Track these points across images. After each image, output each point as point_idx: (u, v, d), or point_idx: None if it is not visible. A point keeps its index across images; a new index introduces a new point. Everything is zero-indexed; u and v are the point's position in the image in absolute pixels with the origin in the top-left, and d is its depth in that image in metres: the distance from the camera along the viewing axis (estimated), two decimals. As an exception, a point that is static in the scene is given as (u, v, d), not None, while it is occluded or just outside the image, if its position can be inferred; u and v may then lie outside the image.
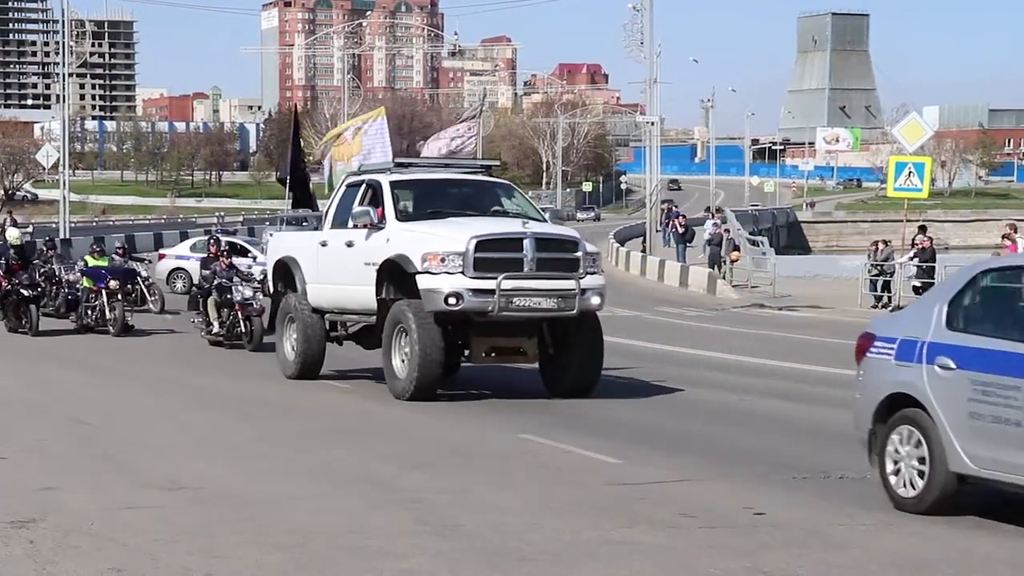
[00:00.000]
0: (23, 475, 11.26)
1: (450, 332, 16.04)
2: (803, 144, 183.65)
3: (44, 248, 33.42)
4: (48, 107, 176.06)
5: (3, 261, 27.62)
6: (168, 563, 8.21)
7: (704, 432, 13.99)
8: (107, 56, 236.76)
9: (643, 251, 54.09)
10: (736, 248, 46.44)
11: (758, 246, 50.23)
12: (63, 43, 63.06)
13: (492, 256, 15.64)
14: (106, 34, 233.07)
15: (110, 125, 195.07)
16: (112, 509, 9.84)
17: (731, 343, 25.18)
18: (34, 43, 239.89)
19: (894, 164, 36.15)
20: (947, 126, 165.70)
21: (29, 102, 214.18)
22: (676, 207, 68.29)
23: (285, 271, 18.96)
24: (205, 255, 26.90)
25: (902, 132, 38.17)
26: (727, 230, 48.78)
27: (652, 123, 60.69)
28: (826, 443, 13.25)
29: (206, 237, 41.87)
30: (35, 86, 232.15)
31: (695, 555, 8.47)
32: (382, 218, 16.59)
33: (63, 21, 63.47)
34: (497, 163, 22.55)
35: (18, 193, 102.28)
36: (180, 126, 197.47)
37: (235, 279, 23.91)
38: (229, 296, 23.27)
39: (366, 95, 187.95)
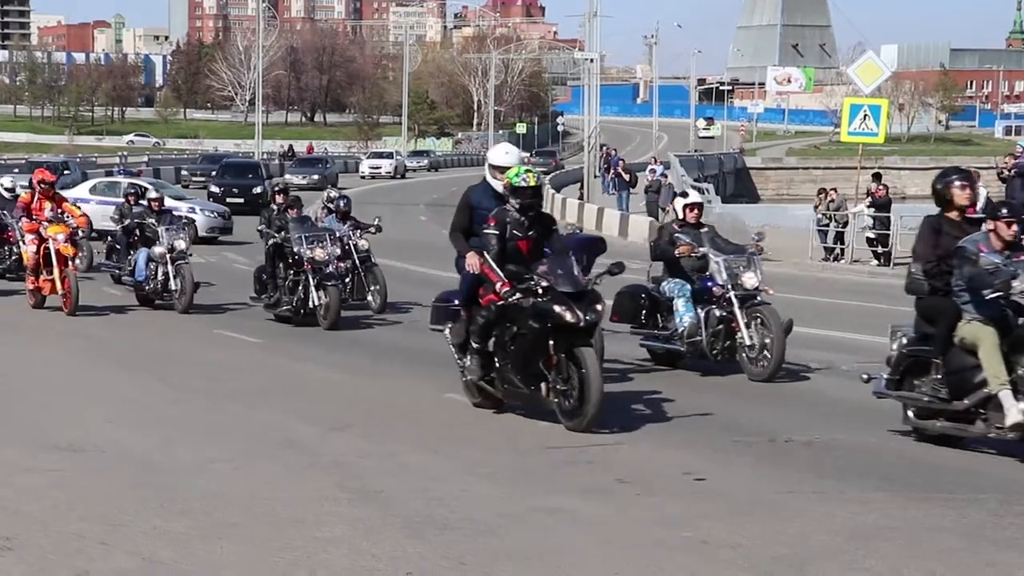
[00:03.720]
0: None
1: None
2: (753, 85, 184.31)
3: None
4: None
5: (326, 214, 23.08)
6: (61, 531, 8.18)
7: (644, 393, 14.06)
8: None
9: (580, 199, 54.15)
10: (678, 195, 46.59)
11: (703, 194, 50.36)
12: (-50, -35, 61.96)
13: None
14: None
15: (2, 55, 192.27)
16: (6, 474, 9.79)
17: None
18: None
19: (848, 107, 36.39)
20: (906, 67, 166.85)
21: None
22: (615, 151, 68.30)
23: None
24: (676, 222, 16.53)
25: (857, 72, 38.36)
26: (664, 175, 48.90)
27: (591, 60, 60.84)
28: (772, 405, 13.38)
29: (123, 180, 41.42)
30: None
31: (631, 524, 8.54)
32: None
33: (-50, -59, 62.40)
34: None
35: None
36: (79, 57, 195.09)
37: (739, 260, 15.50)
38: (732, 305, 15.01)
39: (282, 26, 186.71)
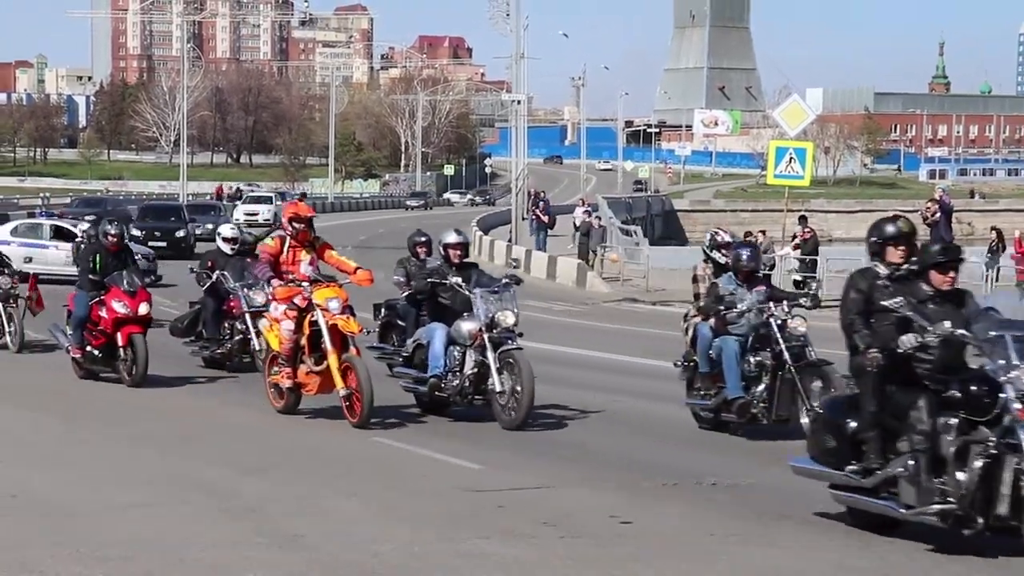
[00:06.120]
0: None
1: None
2: (680, 127, 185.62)
3: None
4: None
5: None
6: (-22, 579, 8.08)
7: (570, 435, 14.08)
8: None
9: (509, 240, 54.24)
10: (603, 240, 46.74)
11: (631, 236, 50.64)
12: None
13: None
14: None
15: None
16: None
17: (600, 340, 25.36)
18: None
19: (774, 149, 36.66)
20: (831, 110, 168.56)
21: None
22: (543, 193, 68.55)
23: None
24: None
25: (783, 115, 38.70)
26: (598, 217, 49.10)
27: (518, 101, 60.89)
28: (699, 447, 13.43)
29: (45, 221, 41.04)
30: None
31: (554, 567, 8.54)
32: None
33: None
34: None
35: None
36: (0, 97, 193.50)
37: None
38: None
39: (207, 66, 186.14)
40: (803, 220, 36.76)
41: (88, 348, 17.77)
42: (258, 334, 17.46)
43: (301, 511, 10.16)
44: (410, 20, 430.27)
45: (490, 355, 14.09)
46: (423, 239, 18.09)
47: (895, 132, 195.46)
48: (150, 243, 46.54)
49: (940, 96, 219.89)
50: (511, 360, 14.02)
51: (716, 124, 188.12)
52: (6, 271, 22.42)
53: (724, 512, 10.30)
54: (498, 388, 14.01)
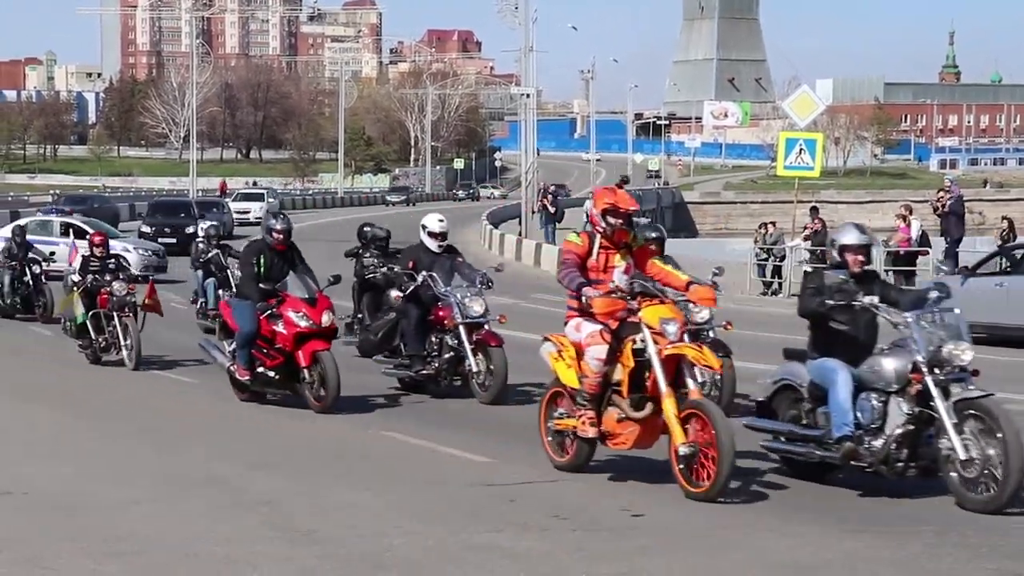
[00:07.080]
0: None
1: None
2: (689, 119, 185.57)
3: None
4: None
5: None
6: (-10, 576, 8.07)
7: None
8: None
9: (519, 234, 54.21)
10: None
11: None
12: None
13: None
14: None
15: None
16: (-72, 517, 9.65)
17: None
18: None
19: (784, 140, 36.60)
20: (841, 100, 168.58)
21: None
22: (554, 186, 68.56)
23: None
24: None
25: (793, 106, 38.63)
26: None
27: (528, 95, 60.93)
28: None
29: (55, 219, 41.17)
30: None
31: (567, 560, 8.50)
32: None
33: None
34: None
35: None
36: (10, 94, 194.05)
37: None
38: None
39: (216, 62, 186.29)
40: (814, 211, 36.65)
41: (260, 369, 14.98)
42: (474, 352, 15.25)
43: (312, 505, 10.13)
44: (418, 14, 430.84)
45: (941, 406, 9.90)
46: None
47: (905, 122, 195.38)
48: (160, 239, 46.73)
49: (950, 86, 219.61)
50: (977, 413, 9.79)
51: (726, 116, 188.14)
52: (122, 276, 19.46)
53: (738, 504, 10.26)
54: (962, 455, 9.77)
